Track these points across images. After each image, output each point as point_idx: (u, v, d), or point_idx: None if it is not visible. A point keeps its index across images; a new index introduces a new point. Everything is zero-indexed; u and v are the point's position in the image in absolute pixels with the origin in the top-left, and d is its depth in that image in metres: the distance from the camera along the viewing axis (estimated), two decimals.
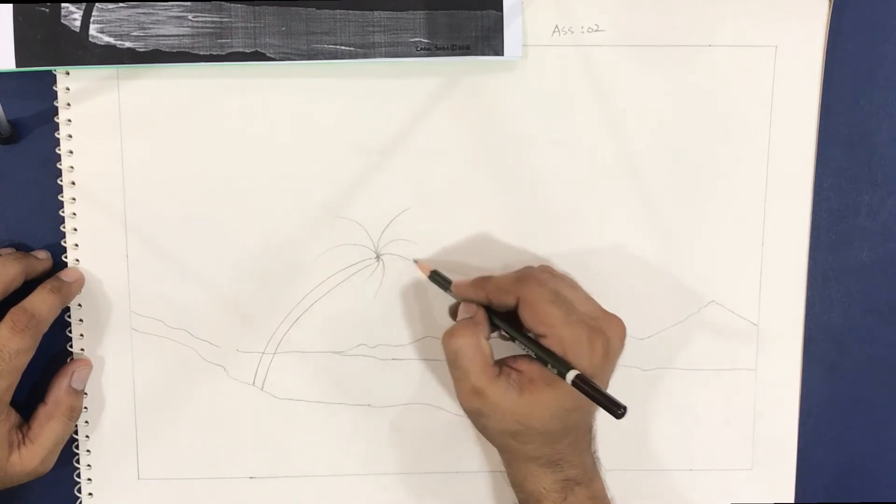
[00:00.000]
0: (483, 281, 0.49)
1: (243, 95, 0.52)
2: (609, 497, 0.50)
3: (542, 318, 0.46)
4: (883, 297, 0.57)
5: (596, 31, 0.53)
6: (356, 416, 0.55)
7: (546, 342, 0.46)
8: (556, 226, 0.54)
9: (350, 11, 0.51)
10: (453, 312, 0.51)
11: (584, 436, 0.49)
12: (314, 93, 0.52)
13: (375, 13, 0.51)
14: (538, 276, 0.48)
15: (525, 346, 0.47)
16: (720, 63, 0.54)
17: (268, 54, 0.51)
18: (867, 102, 0.55)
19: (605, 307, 0.49)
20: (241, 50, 0.51)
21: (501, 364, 0.48)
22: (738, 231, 0.55)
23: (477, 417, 0.48)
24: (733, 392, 0.56)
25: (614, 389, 0.55)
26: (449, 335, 0.48)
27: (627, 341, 0.48)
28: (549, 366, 0.46)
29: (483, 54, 0.52)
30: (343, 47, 0.51)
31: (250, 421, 0.55)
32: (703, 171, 0.55)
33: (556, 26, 0.53)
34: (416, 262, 0.53)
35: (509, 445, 0.48)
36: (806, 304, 0.56)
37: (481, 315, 0.49)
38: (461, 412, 0.50)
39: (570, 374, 0.45)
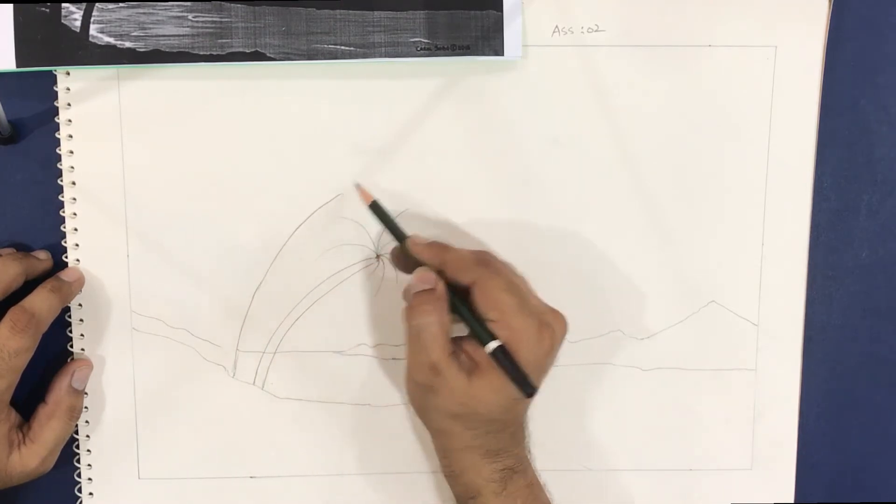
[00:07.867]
0: (442, 249, 0.48)
1: (243, 95, 0.52)
2: (542, 482, 0.51)
3: (495, 304, 0.46)
4: (883, 297, 0.57)
5: (596, 31, 0.53)
6: (356, 415, 0.55)
7: (494, 327, 0.46)
8: (555, 225, 0.54)
9: (350, 11, 0.51)
10: (407, 293, 0.49)
11: (522, 429, 0.49)
12: (314, 93, 0.53)
13: (375, 13, 0.51)
14: (495, 262, 0.48)
15: (461, 318, 0.47)
16: (720, 63, 0.54)
17: (268, 54, 0.51)
18: (867, 102, 0.55)
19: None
20: (241, 50, 0.51)
21: (454, 342, 0.47)
22: (738, 231, 0.55)
23: (425, 394, 0.47)
24: (733, 392, 0.56)
25: (614, 389, 0.56)
26: (413, 311, 0.47)
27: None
28: (476, 333, 0.46)
29: (483, 54, 0.52)
30: (343, 47, 0.51)
31: (250, 421, 0.55)
32: (703, 171, 0.55)
33: (556, 26, 0.53)
34: (357, 185, 0.51)
35: (451, 430, 0.47)
36: (806, 304, 0.56)
37: (442, 288, 0.47)
38: None
39: (492, 345, 0.44)
